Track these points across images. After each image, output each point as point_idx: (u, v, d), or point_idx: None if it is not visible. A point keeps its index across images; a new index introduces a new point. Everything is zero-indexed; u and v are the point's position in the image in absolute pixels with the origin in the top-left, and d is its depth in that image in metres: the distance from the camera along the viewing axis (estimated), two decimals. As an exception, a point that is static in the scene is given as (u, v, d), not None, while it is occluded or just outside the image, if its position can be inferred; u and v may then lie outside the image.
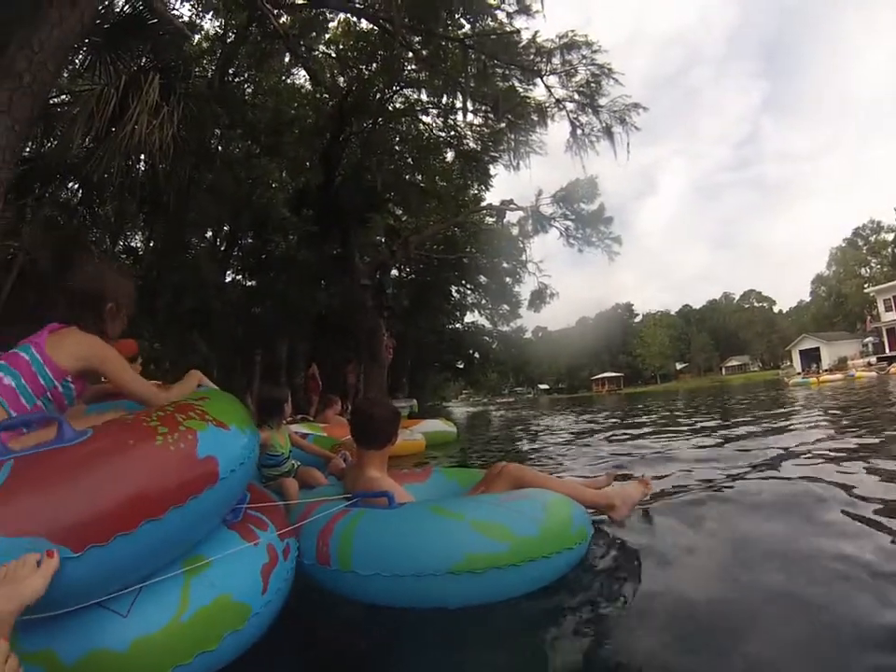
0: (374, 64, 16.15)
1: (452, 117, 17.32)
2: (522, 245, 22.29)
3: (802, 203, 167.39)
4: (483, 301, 28.82)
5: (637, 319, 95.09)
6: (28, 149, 8.80)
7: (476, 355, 35.43)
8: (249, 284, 17.53)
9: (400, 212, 21.24)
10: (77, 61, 8.80)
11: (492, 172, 19.92)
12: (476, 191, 21.93)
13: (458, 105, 15.59)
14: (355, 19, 15.45)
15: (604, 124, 15.21)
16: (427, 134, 18.19)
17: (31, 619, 1.22)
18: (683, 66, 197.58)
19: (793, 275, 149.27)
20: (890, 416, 8.23)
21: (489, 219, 22.56)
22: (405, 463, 6.24)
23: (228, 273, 16.84)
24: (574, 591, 2.19)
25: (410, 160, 18.97)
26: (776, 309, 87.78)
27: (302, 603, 2.13)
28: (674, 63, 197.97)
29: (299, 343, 17.07)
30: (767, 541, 2.40)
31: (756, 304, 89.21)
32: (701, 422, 9.84)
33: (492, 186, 21.07)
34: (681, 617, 1.84)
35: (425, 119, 17.99)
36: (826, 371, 39.40)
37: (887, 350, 43.27)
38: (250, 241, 17.30)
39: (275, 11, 12.85)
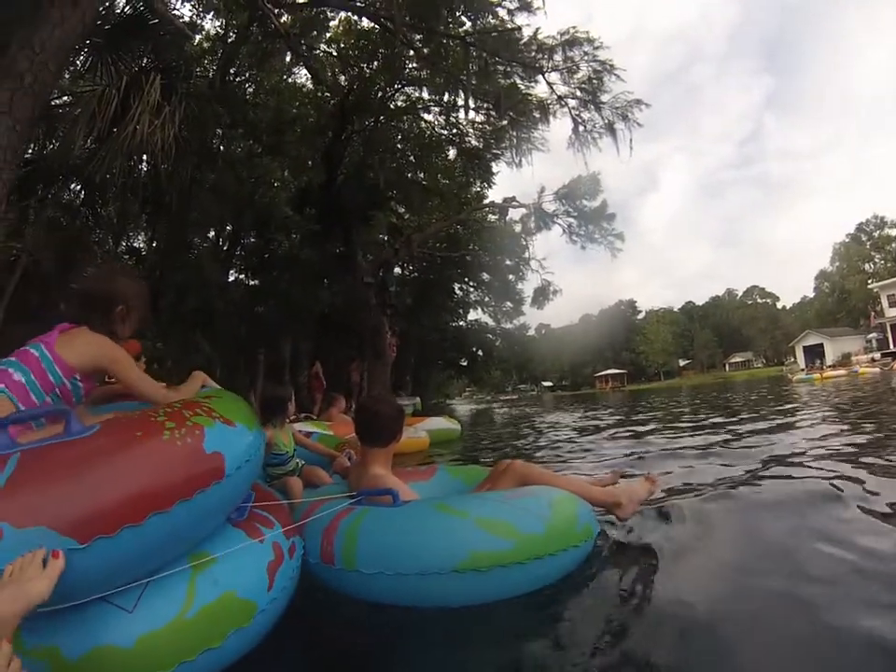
0: (375, 63, 16.14)
1: (453, 114, 17.31)
2: (524, 243, 22.32)
3: (805, 199, 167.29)
4: (487, 299, 28.84)
5: (641, 316, 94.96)
6: (30, 151, 8.82)
7: (479, 352, 35.44)
8: (252, 283, 17.54)
9: (403, 210, 21.23)
10: (78, 62, 8.80)
11: (494, 169, 19.96)
12: (478, 189, 21.93)
13: (460, 102, 15.58)
14: (356, 17, 15.44)
15: (606, 121, 15.20)
16: (428, 132, 18.19)
17: (35, 613, 1.21)
18: (685, 63, 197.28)
19: (797, 271, 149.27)
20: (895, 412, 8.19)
21: (492, 217, 22.54)
22: (409, 461, 6.24)
23: (231, 272, 16.87)
24: (579, 589, 2.17)
25: (412, 158, 18.96)
26: (779, 305, 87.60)
27: (307, 602, 2.12)
28: (675, 60, 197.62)
29: (302, 342, 17.10)
30: (774, 542, 2.37)
31: (759, 300, 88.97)
32: (705, 419, 9.82)
33: (494, 183, 21.11)
34: (685, 617, 1.82)
35: (426, 116, 18.01)
36: (830, 367, 39.30)
37: (891, 346, 43.20)
38: (253, 240, 17.30)
39: (276, 10, 12.84)
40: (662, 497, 3.32)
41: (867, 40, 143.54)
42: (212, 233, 16.50)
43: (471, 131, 18.00)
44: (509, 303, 28.12)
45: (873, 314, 50.08)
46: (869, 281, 56.94)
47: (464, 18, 13.69)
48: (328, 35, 16.61)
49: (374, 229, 18.09)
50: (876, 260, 64.99)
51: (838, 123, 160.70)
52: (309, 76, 16.71)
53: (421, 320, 25.54)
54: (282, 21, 13.58)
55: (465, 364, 37.18)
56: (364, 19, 14.72)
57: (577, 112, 15.39)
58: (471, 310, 30.97)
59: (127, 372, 2.02)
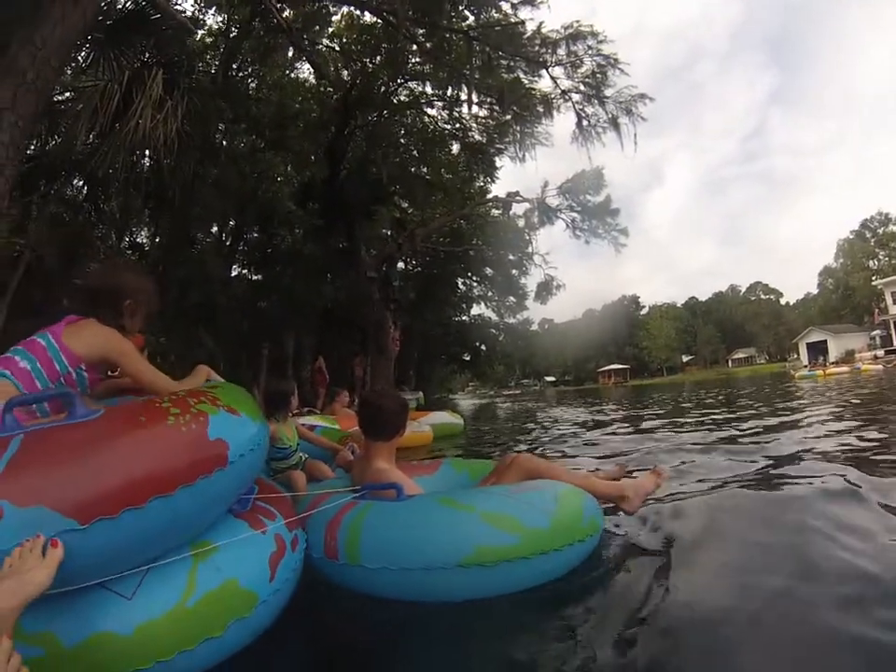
0: (378, 57, 16.10)
1: (457, 109, 17.27)
2: (528, 237, 22.32)
3: (809, 196, 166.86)
4: (490, 294, 28.82)
5: (644, 311, 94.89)
6: (33, 147, 8.83)
7: (482, 347, 35.48)
8: (255, 278, 17.56)
9: (406, 205, 21.21)
10: (80, 57, 8.80)
11: (498, 164, 19.95)
12: (482, 184, 21.92)
13: (463, 97, 15.52)
14: (358, 12, 15.39)
15: (610, 115, 15.14)
16: (432, 127, 18.16)
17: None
18: (688, 60, 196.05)
19: (800, 268, 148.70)
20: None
21: (495, 211, 22.53)
22: (413, 455, 6.24)
23: (233, 267, 16.88)
24: (584, 584, 2.15)
25: (415, 152, 18.95)
26: (782, 301, 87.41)
27: (310, 596, 2.11)
28: (678, 57, 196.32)
29: (305, 337, 17.12)
30: (783, 539, 2.33)
31: (763, 297, 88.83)
32: (709, 414, 9.80)
33: (498, 178, 21.11)
34: (690, 616, 1.79)
35: (430, 111, 17.98)
36: (833, 363, 39.13)
37: (894, 343, 42.99)
38: (255, 235, 17.31)
39: (278, 5, 12.82)
40: (669, 492, 3.31)
41: (870, 38, 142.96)
42: (215, 228, 16.53)
43: (475, 125, 17.98)
44: (512, 298, 28.13)
45: (877, 310, 49.91)
46: (873, 278, 56.78)
47: (467, 12, 13.63)
48: (330, 29, 16.57)
49: (377, 223, 18.11)
50: (881, 257, 64.77)
51: (842, 120, 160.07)
52: (311, 71, 16.69)
53: (424, 315, 25.56)
54: (284, 15, 13.56)
55: (468, 359, 37.20)
56: (366, 13, 14.67)
57: (581, 106, 15.35)
58: (475, 305, 31.11)
59: (134, 364, 2.03)
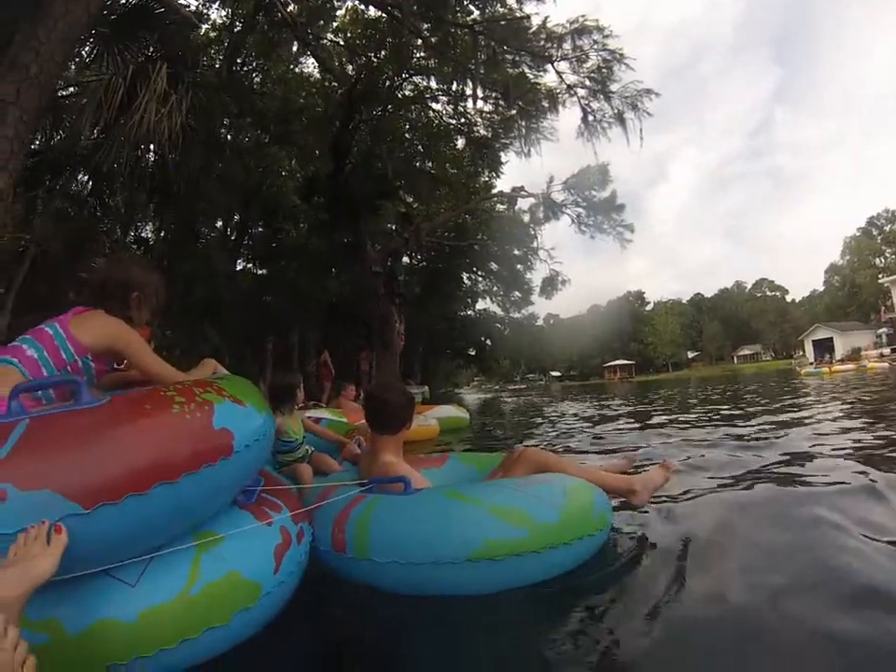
0: (383, 52, 16.09)
1: (462, 104, 17.28)
2: (533, 232, 22.26)
3: (815, 192, 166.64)
4: (495, 288, 28.76)
5: (649, 307, 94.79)
6: (37, 142, 8.83)
7: (488, 342, 35.48)
8: (260, 272, 17.58)
9: (411, 199, 21.19)
10: (84, 52, 8.79)
11: (503, 159, 19.91)
12: (487, 178, 21.89)
13: (468, 91, 15.52)
14: (363, 6, 15.39)
15: (616, 110, 15.10)
16: (437, 122, 18.16)
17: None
18: (692, 56, 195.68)
19: (807, 265, 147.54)
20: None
21: (500, 206, 22.53)
22: (419, 449, 6.24)
23: (238, 262, 16.89)
24: (591, 579, 2.13)
25: (420, 147, 18.96)
26: (788, 298, 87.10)
27: (317, 589, 2.11)
28: (683, 53, 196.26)
29: (310, 332, 17.13)
30: (794, 540, 2.28)
31: (769, 293, 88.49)
32: (717, 410, 9.78)
33: (503, 173, 21.09)
34: (696, 615, 1.76)
35: (434, 106, 17.99)
36: (839, 361, 38.94)
37: (901, 341, 42.84)
38: (260, 230, 17.33)
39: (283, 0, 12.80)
40: (679, 488, 3.29)
41: (872, 37, 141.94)
42: (220, 223, 16.52)
43: (480, 120, 17.96)
44: (517, 293, 27.99)
45: (883, 308, 49.74)
46: (880, 275, 56.53)
47: (472, 6, 13.62)
48: (334, 24, 16.56)
49: (382, 218, 18.10)
50: (887, 255, 64.60)
51: (846, 117, 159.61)
52: (316, 65, 16.68)
53: (429, 309, 25.55)
54: (288, 10, 13.53)
55: (473, 353, 37.24)
56: (371, 7, 14.66)
57: (586, 101, 15.32)
58: (480, 299, 31.06)
59: (141, 355, 2.03)
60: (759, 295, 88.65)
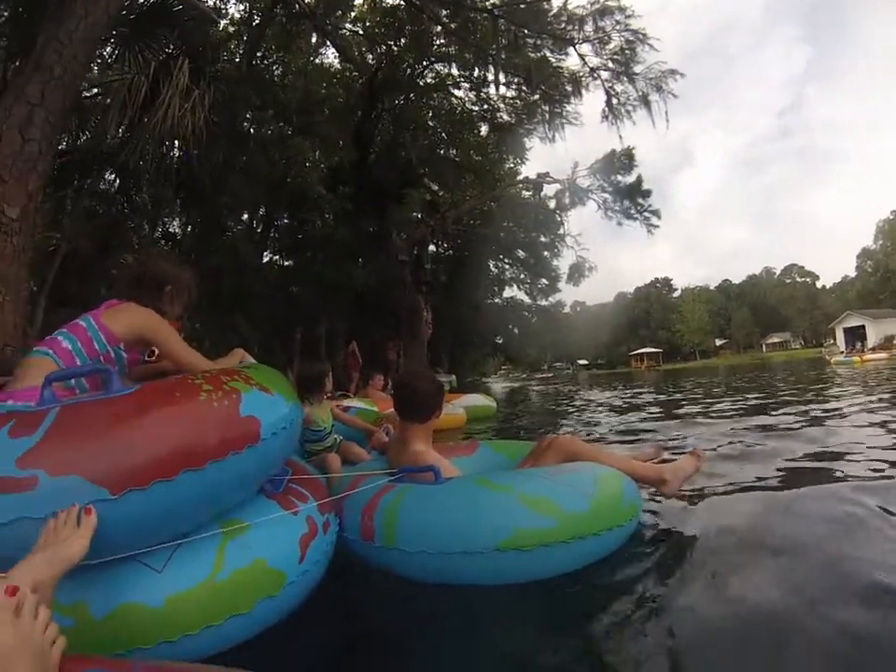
0: (403, 40, 16.05)
1: (484, 90, 17.20)
2: (559, 219, 22.08)
3: (848, 174, 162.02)
4: (522, 276, 28.61)
5: (676, 294, 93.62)
6: (64, 142, 8.97)
7: (515, 330, 35.34)
8: (286, 264, 17.69)
9: (436, 187, 21.12)
10: (105, 53, 8.89)
11: (527, 145, 19.75)
12: (512, 165, 21.82)
13: (490, 77, 15.44)
14: (380, -6, 15.33)
15: (640, 92, 14.90)
16: (459, 109, 18.09)
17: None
18: (717, 34, 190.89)
19: (838, 249, 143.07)
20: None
21: (526, 193, 22.33)
22: (446, 437, 6.23)
23: (265, 254, 17.02)
24: (617, 570, 2.09)
25: (443, 134, 18.91)
26: (819, 284, 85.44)
27: (343, 577, 2.11)
28: (708, 32, 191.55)
29: (337, 322, 17.21)
30: (831, 540, 2.16)
31: (798, 279, 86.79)
32: (747, 400, 9.61)
33: (528, 159, 21.07)
34: (721, 614, 1.71)
35: (457, 93, 17.94)
36: (871, 349, 37.87)
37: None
38: (286, 221, 17.42)
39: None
40: (709, 478, 3.23)
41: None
42: (245, 216, 16.65)
43: (503, 106, 17.87)
44: (544, 280, 27.80)
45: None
46: (915, 260, 54.98)
47: (491, -11, 13.46)
48: (352, 13, 16.55)
49: (408, 207, 18.07)
50: (922, 239, 62.69)
51: (883, 95, 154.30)
52: (336, 56, 16.71)
53: (456, 298, 25.47)
54: (306, 1, 13.53)
55: (500, 342, 37.11)
56: (388, -6, 14.61)
57: (610, 84, 15.16)
58: (507, 287, 30.91)
59: (171, 343, 2.06)
60: (788, 281, 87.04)
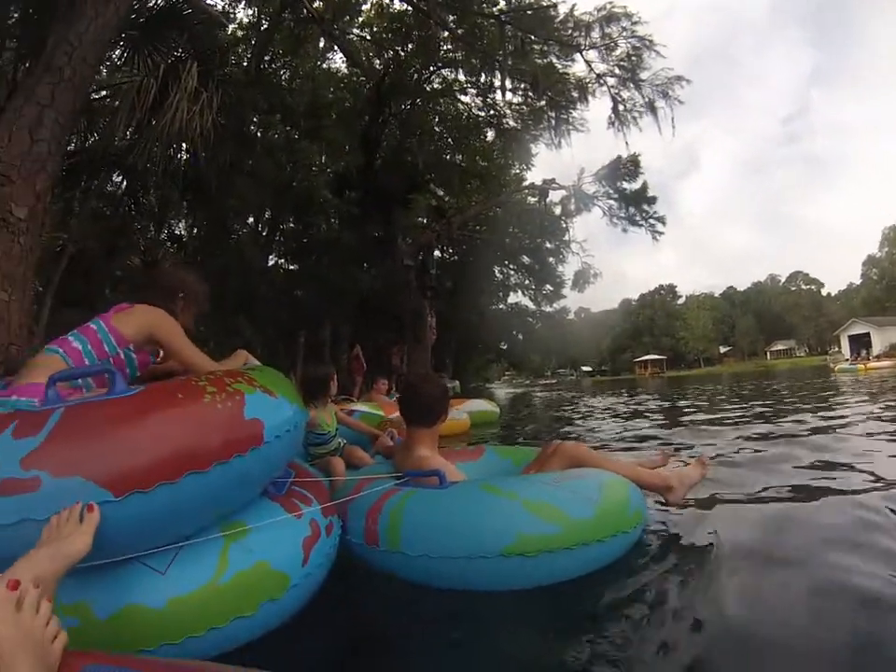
0: (410, 45, 16.11)
1: (490, 96, 17.25)
2: (564, 225, 22.03)
3: (853, 181, 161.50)
4: (527, 282, 28.56)
5: (681, 301, 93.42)
6: (73, 143, 9.00)
7: (519, 336, 35.32)
8: (291, 267, 17.70)
9: (442, 192, 21.15)
10: (115, 55, 8.93)
11: (533, 151, 19.78)
12: (518, 171, 21.80)
13: (497, 83, 15.44)
14: (387, 0, 15.37)
15: (646, 99, 14.90)
16: (466, 114, 18.13)
17: (68, 572, 1.23)
18: (723, 40, 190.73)
19: (843, 257, 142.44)
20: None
21: (531, 199, 22.30)
22: (450, 442, 6.22)
23: (270, 257, 17.04)
24: (621, 578, 2.08)
25: (450, 140, 18.95)
26: (824, 292, 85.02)
27: (347, 580, 2.11)
28: (713, 37, 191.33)
29: (342, 326, 17.22)
30: (833, 560, 2.08)
31: (803, 287, 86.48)
32: (751, 409, 9.56)
33: (533, 165, 21.10)
34: (725, 627, 1.67)
35: (463, 98, 17.99)
36: (875, 357, 37.65)
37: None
38: (291, 225, 17.45)
39: (308, -5, 12.87)
40: (716, 486, 3.23)
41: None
42: (251, 219, 16.68)
43: (509, 112, 17.91)
44: (549, 286, 27.73)
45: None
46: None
47: (497, -4, 13.51)
48: (360, 18, 16.63)
49: (413, 212, 18.11)
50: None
51: (892, 98, 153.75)
52: (344, 60, 16.78)
53: (461, 303, 25.49)
54: (314, 6, 13.60)
55: (504, 347, 37.11)
56: (396, 0, 14.67)
57: (616, 91, 15.16)
58: (511, 293, 30.87)
59: (178, 343, 2.09)
60: (793, 288, 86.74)
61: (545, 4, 13.25)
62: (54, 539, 1.21)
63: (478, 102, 17.79)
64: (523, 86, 15.57)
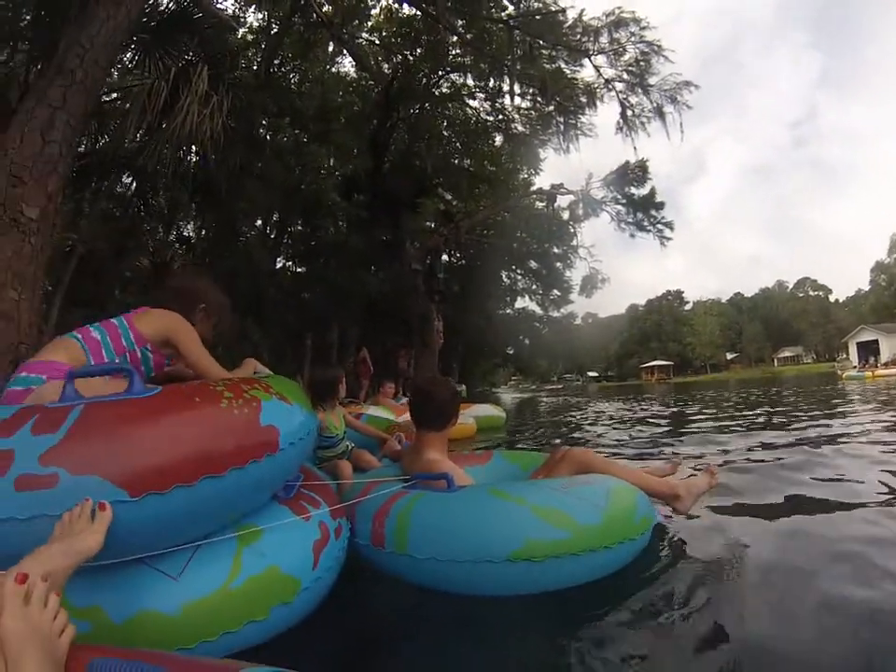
0: (419, 49, 16.14)
1: (499, 100, 17.20)
2: (572, 230, 22.00)
3: (861, 186, 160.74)
4: (534, 287, 28.50)
5: (688, 307, 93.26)
6: (84, 145, 9.05)
7: (526, 341, 35.25)
8: (299, 270, 17.73)
9: (450, 197, 21.15)
10: (126, 58, 8.99)
11: (541, 156, 19.78)
12: (526, 175, 21.81)
13: (505, 88, 15.46)
14: (397, 4, 15.47)
15: (655, 104, 14.87)
16: (474, 119, 18.14)
17: (82, 574, 1.24)
18: (730, 45, 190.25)
19: (852, 263, 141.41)
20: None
21: (539, 204, 22.30)
22: (457, 447, 6.21)
23: (278, 259, 17.07)
24: (627, 585, 2.07)
25: (458, 144, 18.96)
26: (832, 298, 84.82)
27: (353, 582, 2.10)
28: (721, 42, 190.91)
29: (349, 329, 17.23)
30: (840, 572, 2.06)
31: (811, 293, 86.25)
32: (758, 415, 9.51)
33: (541, 170, 21.08)
34: (731, 637, 1.67)
35: (472, 103, 17.98)
36: (884, 364, 37.35)
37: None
38: (300, 228, 17.48)
39: (318, 0, 12.91)
40: (725, 495, 3.21)
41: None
42: (259, 222, 16.73)
43: (517, 117, 17.90)
44: (556, 291, 27.67)
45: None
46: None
47: (506, 1, 13.54)
48: (369, 23, 16.67)
49: (421, 216, 18.10)
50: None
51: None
52: (353, 64, 16.84)
53: (468, 308, 25.41)
54: (324, 10, 13.65)
55: (511, 352, 37.05)
56: (405, 5, 14.69)
57: (624, 96, 15.13)
58: (518, 298, 30.82)
59: (192, 348, 2.11)
60: (801, 295, 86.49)
61: (554, 9, 13.25)
62: (66, 536, 1.21)
63: (486, 106, 17.81)
64: (531, 91, 15.57)
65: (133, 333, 2.03)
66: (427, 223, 19.39)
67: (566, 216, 21.81)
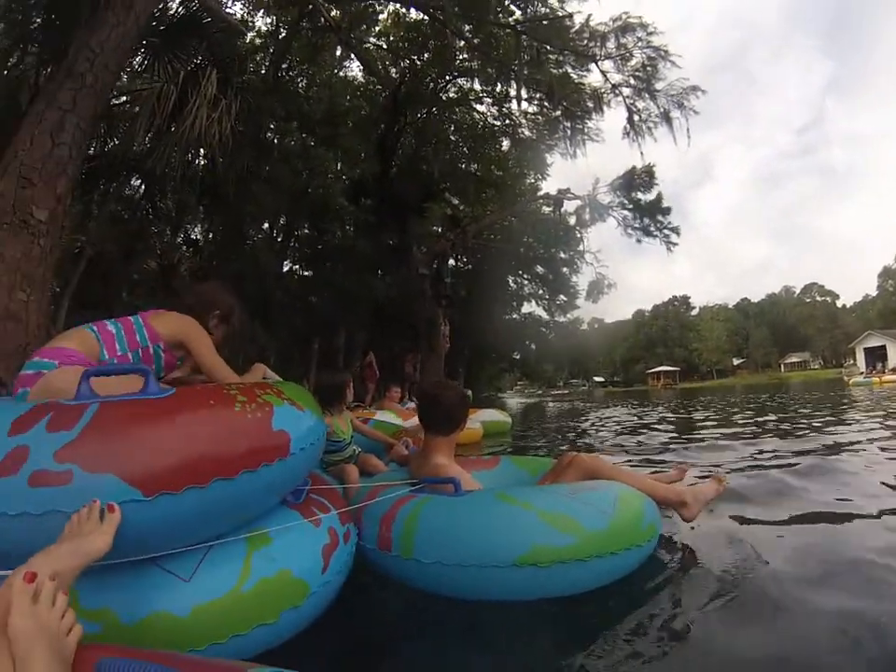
0: (426, 54, 16.18)
1: (506, 105, 17.25)
2: (579, 235, 21.96)
3: (869, 191, 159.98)
4: (541, 292, 28.44)
5: (694, 312, 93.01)
6: (93, 148, 9.11)
7: (532, 346, 35.18)
8: (306, 274, 17.77)
9: (457, 201, 21.17)
10: (135, 62, 9.05)
11: (548, 160, 19.76)
12: (532, 180, 21.77)
13: (512, 93, 15.47)
14: (404, 9, 15.49)
15: (662, 109, 14.86)
16: (481, 123, 18.17)
17: (92, 576, 1.25)
18: (738, 50, 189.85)
19: (859, 268, 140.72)
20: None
21: (546, 209, 22.26)
22: (462, 452, 6.19)
23: (284, 263, 17.13)
24: (632, 592, 2.07)
25: (465, 149, 18.98)
26: (839, 304, 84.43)
27: (360, 588, 2.11)
28: (728, 48, 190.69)
29: (356, 333, 17.25)
30: (857, 586, 2.00)
31: (818, 298, 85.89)
32: (767, 422, 9.46)
33: (548, 175, 21.03)
34: (736, 645, 1.65)
35: (479, 107, 18.03)
36: (891, 370, 37.09)
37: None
38: (306, 231, 17.52)
39: (326, 5, 12.95)
40: (732, 502, 3.20)
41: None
42: (266, 225, 16.78)
43: (524, 121, 17.92)
44: (562, 297, 27.60)
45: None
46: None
47: (513, 6, 13.58)
48: (377, 27, 16.73)
49: (428, 220, 18.13)
50: (946, 258, 61.84)
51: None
52: (361, 69, 16.89)
53: (475, 312, 25.40)
54: (332, 15, 13.70)
55: (517, 357, 37.00)
56: (413, 10, 14.73)
57: (631, 101, 15.13)
58: (525, 303, 30.73)
59: (204, 351, 2.14)
60: (808, 300, 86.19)
61: (561, 14, 13.27)
62: (75, 536, 1.22)
63: (493, 111, 17.84)
64: (538, 96, 15.57)
65: (147, 331, 2.06)
66: (434, 227, 19.40)
67: (572, 220, 21.77)
